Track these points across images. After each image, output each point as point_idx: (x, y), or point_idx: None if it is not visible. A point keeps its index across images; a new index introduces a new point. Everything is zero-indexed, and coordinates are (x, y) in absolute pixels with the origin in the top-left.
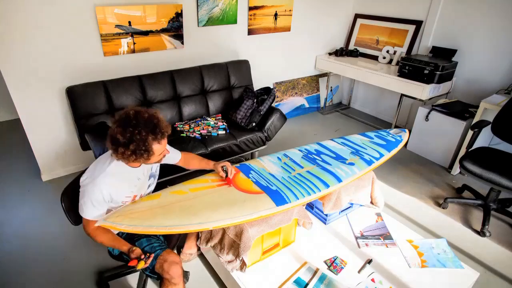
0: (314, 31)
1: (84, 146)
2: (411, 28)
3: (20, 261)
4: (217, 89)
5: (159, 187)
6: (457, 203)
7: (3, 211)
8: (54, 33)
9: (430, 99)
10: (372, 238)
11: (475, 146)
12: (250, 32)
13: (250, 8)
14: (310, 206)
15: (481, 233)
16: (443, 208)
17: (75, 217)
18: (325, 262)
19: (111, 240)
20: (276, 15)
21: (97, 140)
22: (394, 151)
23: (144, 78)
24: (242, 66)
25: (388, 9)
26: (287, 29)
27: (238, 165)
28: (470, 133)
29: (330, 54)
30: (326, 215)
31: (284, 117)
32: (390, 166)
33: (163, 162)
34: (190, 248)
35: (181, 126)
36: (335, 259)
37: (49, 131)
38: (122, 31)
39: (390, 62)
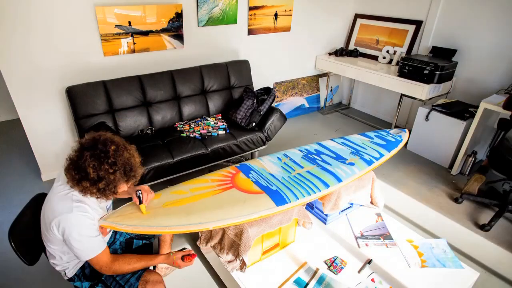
0: (314, 31)
1: None
2: (411, 28)
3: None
4: (217, 89)
5: (159, 187)
6: (473, 200)
7: (3, 211)
8: (54, 33)
9: (430, 99)
10: (372, 238)
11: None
12: (250, 32)
13: (250, 8)
14: (310, 206)
15: (486, 226)
16: (459, 203)
17: (30, 256)
18: (325, 262)
19: (138, 259)
20: (276, 15)
21: None
22: (394, 151)
23: (144, 78)
24: (242, 66)
25: (388, 9)
26: (287, 29)
27: (238, 165)
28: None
29: (330, 54)
30: (326, 215)
31: (284, 117)
32: (390, 166)
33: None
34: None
35: (181, 126)
36: (335, 259)
37: (49, 131)
38: (122, 31)
39: (390, 62)
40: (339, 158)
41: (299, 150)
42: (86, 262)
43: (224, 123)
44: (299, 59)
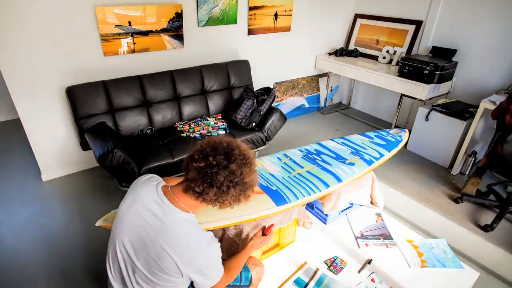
0: (314, 31)
1: (84, 146)
2: (411, 28)
3: (20, 261)
4: (217, 89)
5: None
6: (473, 202)
7: (3, 211)
8: (54, 33)
9: (430, 99)
10: (372, 238)
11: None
12: (250, 32)
13: (250, 8)
14: (310, 206)
15: (489, 227)
16: (458, 203)
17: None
18: (325, 262)
19: (238, 258)
20: (276, 15)
21: (97, 140)
22: (394, 151)
23: (144, 78)
24: (242, 66)
25: (388, 9)
26: (287, 29)
27: None
28: (471, 132)
29: (330, 54)
30: (326, 215)
31: (284, 117)
32: (390, 166)
33: None
34: None
35: (181, 126)
36: (335, 259)
37: (49, 131)
38: (122, 31)
39: (390, 62)
40: (339, 158)
41: (299, 150)
42: None
43: (224, 123)
44: (299, 59)
